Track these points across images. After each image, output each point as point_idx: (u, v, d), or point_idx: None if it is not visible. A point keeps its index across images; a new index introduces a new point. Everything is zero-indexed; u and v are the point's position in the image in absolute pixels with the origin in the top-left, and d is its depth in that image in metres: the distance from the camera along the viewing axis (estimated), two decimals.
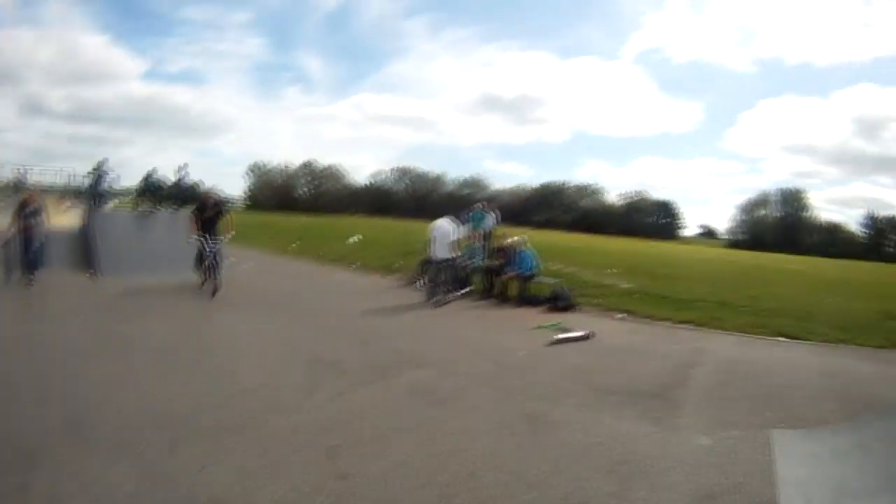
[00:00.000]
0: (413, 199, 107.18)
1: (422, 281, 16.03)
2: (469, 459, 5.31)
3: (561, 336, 10.51)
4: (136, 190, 24.79)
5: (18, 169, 31.92)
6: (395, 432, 5.86)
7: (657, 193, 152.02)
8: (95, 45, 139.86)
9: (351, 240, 28.22)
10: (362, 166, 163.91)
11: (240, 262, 18.19)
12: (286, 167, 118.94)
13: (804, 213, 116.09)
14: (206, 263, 13.78)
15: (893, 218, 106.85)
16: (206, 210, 14.34)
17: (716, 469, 5.43)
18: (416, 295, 15.09)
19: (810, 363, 10.48)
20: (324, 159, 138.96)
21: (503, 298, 14.84)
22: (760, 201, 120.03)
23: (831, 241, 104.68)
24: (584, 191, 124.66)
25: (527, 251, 15.35)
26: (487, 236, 18.10)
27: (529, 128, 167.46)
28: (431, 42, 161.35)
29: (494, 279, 15.51)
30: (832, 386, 8.88)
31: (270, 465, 5.00)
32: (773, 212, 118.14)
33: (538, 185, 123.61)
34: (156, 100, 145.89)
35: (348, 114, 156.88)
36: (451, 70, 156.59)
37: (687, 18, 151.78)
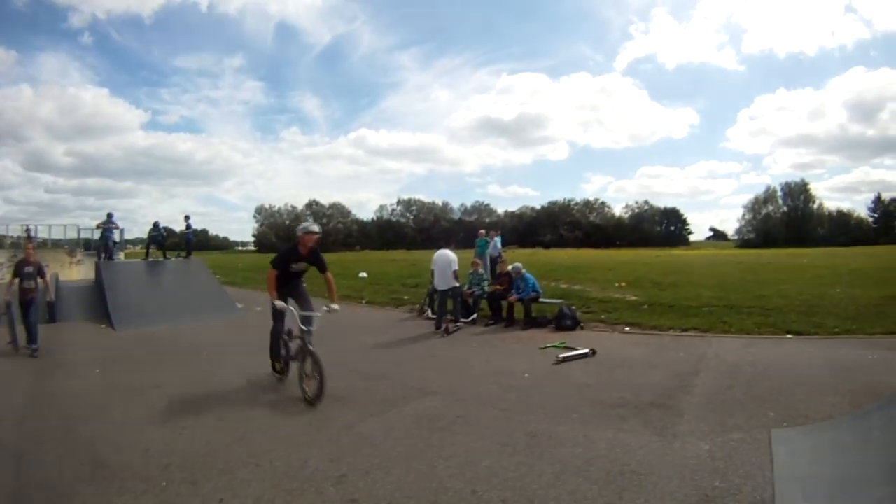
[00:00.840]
0: (419, 229, 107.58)
1: (429, 311, 16.28)
2: (470, 479, 5.47)
3: (565, 355, 10.64)
4: (145, 241, 25.21)
5: (25, 226, 32.30)
6: (400, 458, 6.03)
7: (663, 201, 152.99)
8: (94, 98, 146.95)
9: (360, 275, 28.59)
10: (368, 201, 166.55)
11: (249, 305, 18.43)
12: (292, 208, 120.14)
13: (810, 205, 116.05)
14: (296, 348, 8.83)
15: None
16: (297, 260, 9.05)
17: (714, 473, 5.53)
18: (424, 325, 15.22)
19: (816, 358, 10.56)
20: (328, 197, 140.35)
21: (510, 322, 15.00)
22: (766, 198, 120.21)
23: (841, 230, 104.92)
24: (590, 206, 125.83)
25: (527, 275, 15.48)
26: (494, 262, 18.31)
27: (530, 149, 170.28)
28: (424, 73, 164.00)
29: (500, 304, 15.61)
30: (836, 379, 8.97)
31: (284, 493, 5.22)
32: (779, 207, 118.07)
33: (543, 205, 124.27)
34: (157, 149, 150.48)
35: (348, 150, 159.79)
36: (446, 98, 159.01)
37: (673, 25, 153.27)
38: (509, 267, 16.11)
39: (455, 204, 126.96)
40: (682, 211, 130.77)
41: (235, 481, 5.50)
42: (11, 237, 33.84)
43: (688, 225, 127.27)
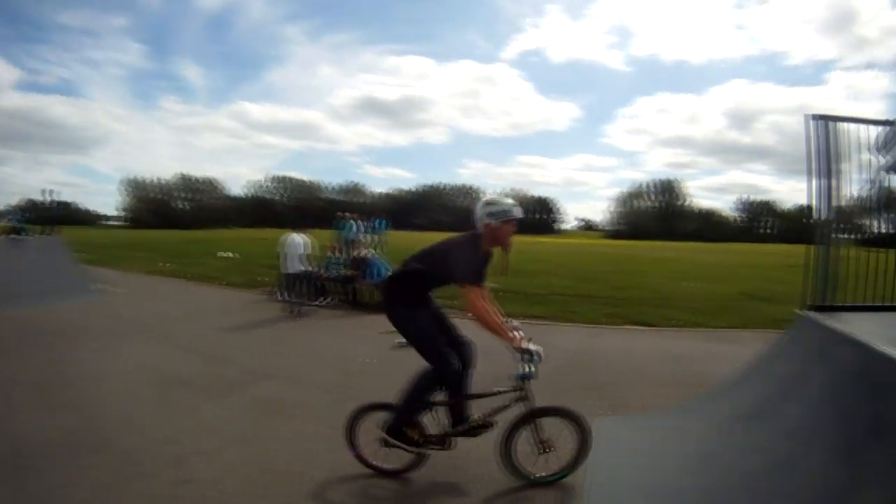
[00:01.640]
0: (293, 208, 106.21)
1: (282, 294, 16.23)
2: (299, 459, 5.79)
3: (401, 340, 10.69)
4: (3, 214, 24.24)
5: None
6: (236, 441, 6.24)
7: (539, 190, 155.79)
8: None
9: (222, 255, 28.22)
10: (242, 176, 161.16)
11: (106, 286, 18.07)
12: (161, 181, 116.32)
13: (680, 202, 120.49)
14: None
15: (765, 202, 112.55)
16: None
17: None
18: (276, 308, 15.28)
19: (655, 349, 11.23)
20: (204, 170, 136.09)
21: (360, 307, 15.17)
22: (637, 192, 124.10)
23: (708, 227, 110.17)
24: (464, 191, 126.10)
25: (379, 260, 15.77)
26: (353, 245, 18.49)
27: (410, 131, 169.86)
28: (311, 47, 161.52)
29: (350, 289, 15.91)
30: (670, 370, 9.62)
31: (122, 478, 5.33)
32: (650, 202, 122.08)
33: (418, 188, 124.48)
34: (30, 113, 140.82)
35: (227, 123, 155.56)
36: (330, 75, 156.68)
37: (566, 22, 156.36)
38: (363, 252, 16.28)
39: (331, 183, 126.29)
40: (555, 200, 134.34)
41: (75, 468, 5.54)
42: None
43: (560, 214, 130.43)
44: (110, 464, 5.65)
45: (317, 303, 15.52)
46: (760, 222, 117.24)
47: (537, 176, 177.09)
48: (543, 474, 5.44)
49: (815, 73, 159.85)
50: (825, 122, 6.60)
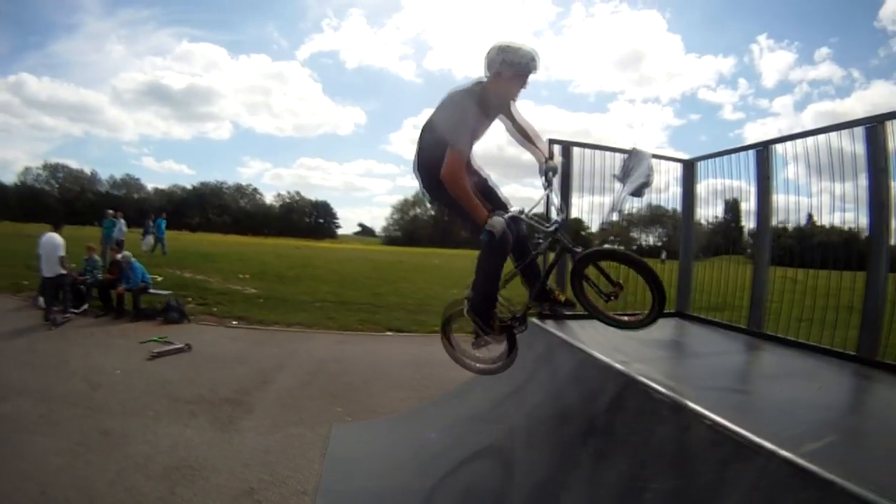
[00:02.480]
0: (64, 201, 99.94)
1: (42, 300, 15.23)
2: (41, 479, 5.57)
3: (159, 350, 10.73)
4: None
5: None
6: None
7: (318, 193, 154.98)
8: None
9: None
10: (13, 161, 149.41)
11: None
12: None
13: None
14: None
15: (541, 214, 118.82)
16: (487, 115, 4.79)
17: (264, 467, 6.12)
18: (35, 316, 14.05)
19: (404, 355, 11.66)
20: None
21: (119, 314, 14.50)
22: (415, 201, 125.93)
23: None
24: (242, 191, 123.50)
25: (136, 264, 15.15)
26: (119, 246, 17.82)
27: (193, 124, 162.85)
28: (105, 20, 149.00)
29: (110, 294, 15.02)
30: (416, 375, 10.01)
31: None
32: (427, 210, 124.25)
33: (195, 185, 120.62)
34: None
35: (2, 96, 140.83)
36: (120, 54, 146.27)
37: (365, 28, 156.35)
38: (119, 255, 15.68)
39: (105, 175, 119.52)
40: (333, 205, 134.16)
41: None
42: None
43: (337, 219, 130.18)
44: None
45: (76, 310, 14.46)
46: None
47: (318, 179, 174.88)
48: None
49: (598, 102, 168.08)
50: (562, 146, 7.22)
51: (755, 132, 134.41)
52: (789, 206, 6.94)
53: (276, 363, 10.52)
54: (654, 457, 3.81)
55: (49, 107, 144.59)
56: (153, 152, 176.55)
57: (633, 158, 4.93)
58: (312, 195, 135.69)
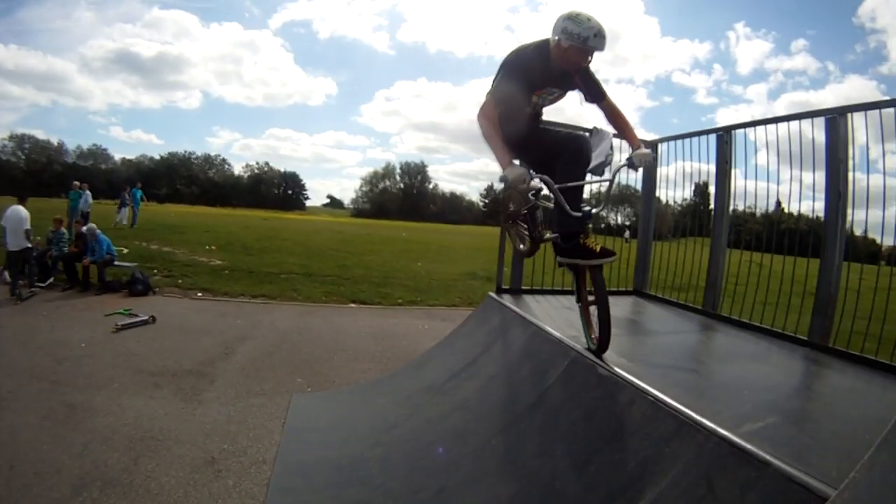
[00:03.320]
0: (31, 172, 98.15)
1: (6, 274, 15.13)
2: (10, 455, 5.64)
3: (124, 322, 10.80)
4: None
5: None
6: None
7: (287, 164, 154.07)
8: None
9: None
10: None
11: None
12: None
13: (426, 184, 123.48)
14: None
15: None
16: (546, 81, 4.78)
17: (225, 436, 6.28)
18: (2, 290, 13.85)
19: (367, 326, 11.85)
20: None
21: (85, 287, 14.47)
22: (385, 173, 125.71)
23: (451, 210, 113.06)
24: (210, 162, 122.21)
25: (101, 236, 15.04)
26: (85, 218, 17.68)
27: (162, 93, 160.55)
28: None
29: (75, 267, 14.91)
30: (377, 346, 10.24)
31: None
32: (396, 183, 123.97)
33: (163, 155, 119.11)
34: None
35: None
36: (89, 21, 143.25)
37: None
38: (84, 227, 15.52)
39: (72, 145, 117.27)
40: (302, 177, 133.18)
41: None
42: None
43: (306, 190, 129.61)
44: None
45: (42, 284, 14.40)
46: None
47: (287, 150, 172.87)
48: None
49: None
50: None
51: (728, 117, 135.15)
52: (758, 192, 7.12)
53: (240, 334, 10.66)
54: (598, 431, 3.94)
55: (15, 75, 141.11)
56: (121, 122, 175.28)
57: (594, 137, 5.06)
58: (282, 166, 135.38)
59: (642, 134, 5.34)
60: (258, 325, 11.51)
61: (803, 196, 6.32)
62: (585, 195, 4.81)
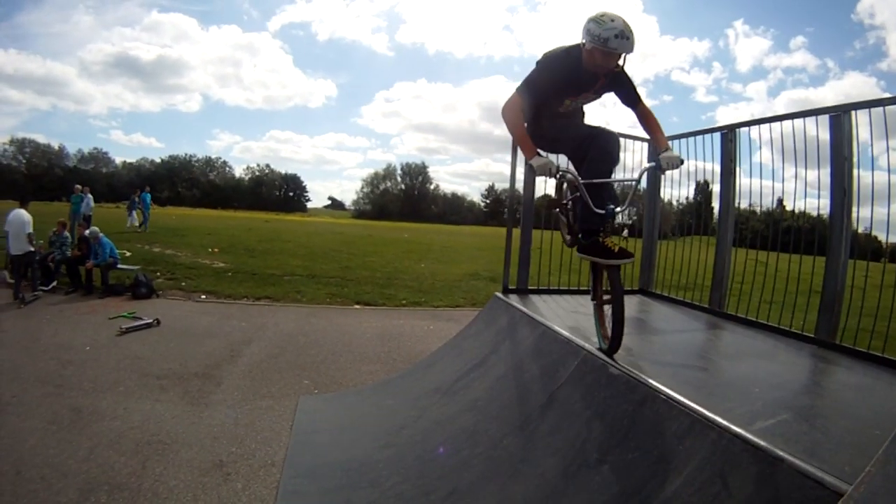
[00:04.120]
0: (32, 176, 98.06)
1: (7, 276, 14.76)
2: (16, 459, 5.60)
3: (128, 325, 10.74)
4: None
5: None
6: None
7: (288, 167, 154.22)
8: None
9: None
10: None
11: None
12: None
13: (427, 185, 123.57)
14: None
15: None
16: (579, 85, 4.76)
17: (233, 439, 6.24)
18: (4, 295, 13.82)
19: (372, 328, 11.77)
20: None
21: (88, 290, 14.46)
22: (386, 174, 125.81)
23: (453, 210, 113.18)
24: (211, 164, 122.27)
25: (104, 239, 15.01)
26: (87, 221, 17.63)
27: (162, 96, 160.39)
28: None
29: (78, 270, 14.86)
30: (382, 348, 10.19)
31: None
32: (397, 184, 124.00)
33: (164, 158, 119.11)
34: None
35: None
36: (88, 25, 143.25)
37: (338, 0, 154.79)
38: (87, 231, 15.46)
39: (73, 149, 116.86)
40: (303, 178, 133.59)
41: None
42: None
43: (307, 192, 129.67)
44: None
45: (45, 287, 14.34)
46: (505, 207, 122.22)
47: (288, 152, 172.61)
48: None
49: None
50: None
51: (728, 116, 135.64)
52: (760, 190, 7.10)
53: (245, 337, 10.62)
54: (611, 430, 3.92)
55: (15, 80, 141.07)
56: (121, 125, 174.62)
57: None
58: (282, 168, 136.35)
59: (641, 133, 5.27)
60: (263, 327, 11.47)
61: (804, 193, 6.32)
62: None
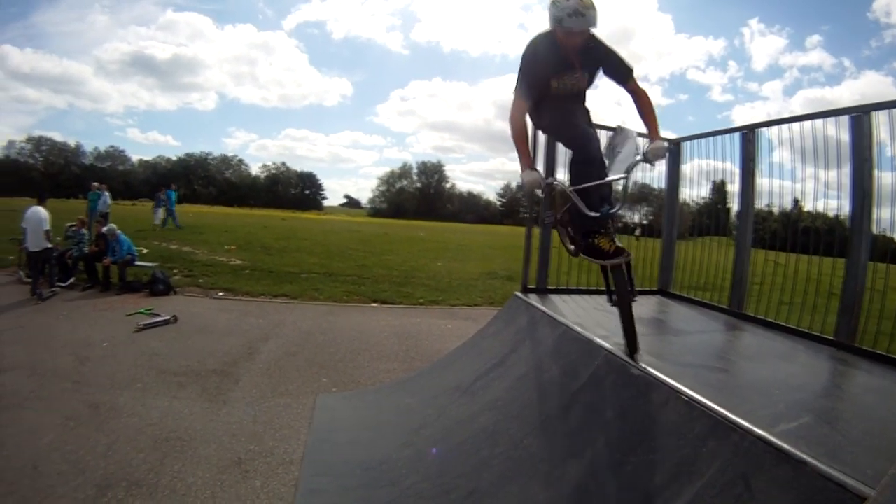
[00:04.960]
0: (48, 174, 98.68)
1: (22, 274, 15.06)
2: (32, 455, 5.60)
3: (146, 322, 10.74)
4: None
5: None
6: None
7: (303, 164, 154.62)
8: None
9: None
10: None
11: None
12: None
13: (443, 184, 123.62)
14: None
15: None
16: (563, 66, 4.70)
17: (252, 437, 6.21)
18: (20, 291, 13.91)
19: (390, 326, 11.72)
20: None
21: (106, 287, 14.46)
22: (402, 172, 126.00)
23: (470, 209, 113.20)
24: (227, 162, 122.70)
25: (122, 236, 15.08)
26: (105, 218, 17.67)
27: (178, 95, 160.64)
28: None
29: (96, 267, 14.94)
30: (400, 346, 10.13)
31: None
32: (413, 182, 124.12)
33: (180, 156, 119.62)
34: None
35: None
36: (104, 24, 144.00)
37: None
38: (104, 228, 15.41)
39: (89, 147, 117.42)
40: (319, 176, 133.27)
41: None
42: None
43: (323, 190, 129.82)
44: None
45: (62, 284, 14.35)
46: (521, 206, 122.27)
47: (304, 150, 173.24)
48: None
49: None
50: None
51: (744, 115, 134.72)
52: (775, 190, 7.05)
53: (262, 334, 10.58)
54: (632, 431, 3.88)
55: (32, 79, 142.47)
56: (138, 123, 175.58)
57: (617, 136, 4.99)
58: (298, 166, 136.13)
59: (661, 133, 5.14)
60: (280, 324, 11.43)
61: (821, 194, 6.27)
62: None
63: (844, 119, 5.62)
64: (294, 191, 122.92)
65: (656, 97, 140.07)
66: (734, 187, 7.34)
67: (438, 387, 6.75)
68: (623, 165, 4.63)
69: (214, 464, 5.62)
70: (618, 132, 5.11)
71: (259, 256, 20.31)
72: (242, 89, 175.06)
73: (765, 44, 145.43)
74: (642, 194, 9.47)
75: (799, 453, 2.80)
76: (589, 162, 4.65)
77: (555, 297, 7.47)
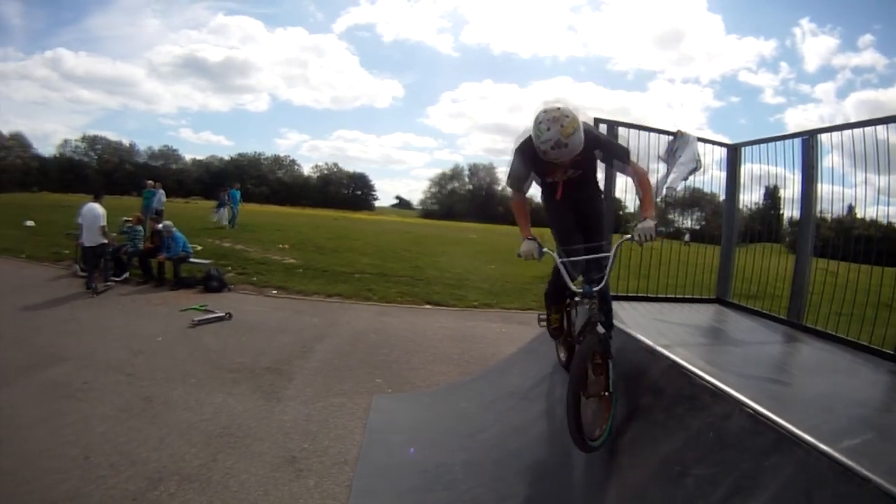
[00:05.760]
0: (103, 172, 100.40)
1: (78, 269, 15.20)
2: (85, 445, 5.60)
3: (200, 318, 10.78)
4: None
5: None
6: (25, 427, 5.99)
7: (355, 165, 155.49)
8: None
9: (29, 224, 26.07)
10: (53, 134, 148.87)
11: None
12: None
13: (494, 186, 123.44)
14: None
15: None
16: (546, 167, 4.88)
17: (305, 435, 6.13)
18: (75, 284, 14.13)
19: (444, 328, 11.60)
20: (11, 125, 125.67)
21: (160, 282, 14.64)
22: (453, 174, 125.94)
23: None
24: (280, 162, 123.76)
25: (177, 233, 15.21)
26: (159, 215, 17.83)
27: (231, 96, 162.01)
28: None
29: (150, 263, 15.15)
30: (455, 349, 9.98)
31: None
32: (465, 184, 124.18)
33: (233, 156, 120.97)
34: None
35: (42, 71, 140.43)
36: (155, 28, 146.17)
37: (402, 2, 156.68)
38: (160, 225, 15.56)
39: (143, 146, 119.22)
40: (370, 177, 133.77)
41: None
42: None
43: (374, 191, 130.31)
44: None
45: (117, 278, 14.60)
46: None
47: (355, 151, 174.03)
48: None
49: (637, 81, 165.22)
50: (609, 125, 7.07)
51: (796, 118, 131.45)
52: (829, 197, 6.77)
53: (316, 333, 10.54)
54: (694, 443, 3.81)
55: (86, 81, 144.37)
56: (191, 124, 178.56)
57: (678, 141, 4.92)
58: (350, 167, 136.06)
59: (713, 136, 5.04)
60: (335, 323, 11.38)
61: (877, 201, 6.06)
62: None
63: None
64: (346, 191, 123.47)
65: (708, 100, 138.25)
66: (786, 192, 7.13)
67: (495, 392, 6.70)
68: (684, 169, 4.54)
69: (268, 461, 5.55)
70: (678, 136, 5.04)
71: (312, 255, 20.40)
72: (294, 91, 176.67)
73: (816, 44, 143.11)
74: (695, 199, 9.25)
75: (863, 470, 2.75)
76: (567, 253, 4.93)
77: (615, 304, 7.29)
